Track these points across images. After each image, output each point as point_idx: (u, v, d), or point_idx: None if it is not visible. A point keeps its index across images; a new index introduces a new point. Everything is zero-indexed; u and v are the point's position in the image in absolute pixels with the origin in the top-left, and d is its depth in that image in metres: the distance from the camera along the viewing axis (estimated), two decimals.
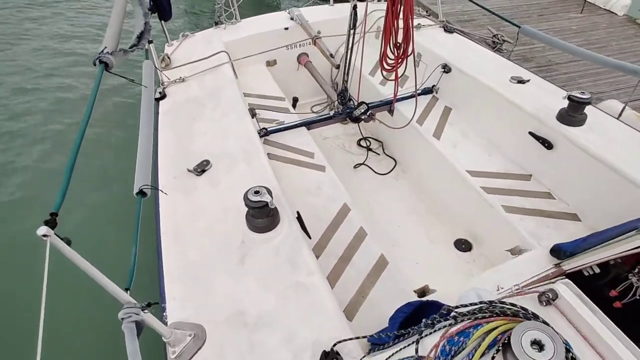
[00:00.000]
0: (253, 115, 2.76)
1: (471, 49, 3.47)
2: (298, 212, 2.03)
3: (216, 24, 3.79)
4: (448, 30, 3.81)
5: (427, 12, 4.28)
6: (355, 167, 3.59)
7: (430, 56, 3.46)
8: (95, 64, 1.68)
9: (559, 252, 2.23)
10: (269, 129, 2.95)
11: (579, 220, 2.45)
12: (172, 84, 3.00)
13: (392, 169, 3.58)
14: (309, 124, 3.11)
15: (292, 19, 3.88)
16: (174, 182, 2.22)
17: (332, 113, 3.15)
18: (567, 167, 2.52)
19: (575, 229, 2.39)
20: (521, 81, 3.01)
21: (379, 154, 3.76)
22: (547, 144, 2.56)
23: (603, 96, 4.31)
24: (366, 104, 3.05)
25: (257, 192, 1.71)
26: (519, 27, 3.26)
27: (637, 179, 2.15)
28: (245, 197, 1.70)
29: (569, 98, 2.44)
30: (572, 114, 2.49)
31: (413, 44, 2.47)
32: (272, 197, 1.72)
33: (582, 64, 5.01)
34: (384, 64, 2.62)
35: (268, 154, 2.80)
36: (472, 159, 2.87)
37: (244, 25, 3.84)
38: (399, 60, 2.58)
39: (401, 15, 2.35)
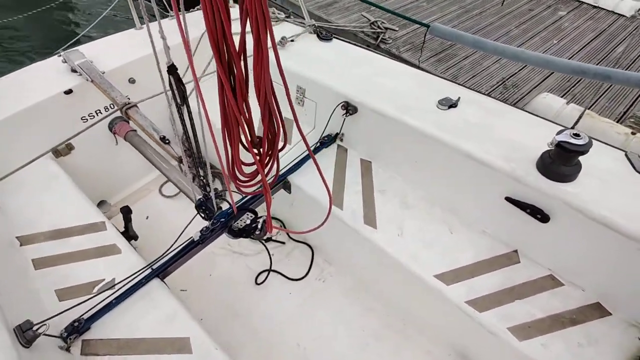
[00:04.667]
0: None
1: (369, 63, 2.53)
2: None
3: None
4: (324, 37, 2.80)
5: (287, 12, 3.18)
6: (258, 281, 2.44)
7: (318, 89, 2.42)
8: None
9: None
10: (84, 319, 1.61)
11: (609, 314, 1.78)
12: None
13: (311, 263, 2.53)
14: (163, 271, 1.84)
15: (74, 70, 2.38)
16: None
17: (198, 237, 1.92)
18: (566, 238, 1.82)
19: (615, 332, 1.71)
20: (453, 105, 2.21)
21: (283, 243, 2.66)
22: (542, 216, 1.79)
23: (518, 81, 3.89)
24: (252, 211, 1.89)
25: None
26: (428, 26, 2.42)
27: None
28: None
29: (559, 146, 1.67)
30: (564, 165, 1.74)
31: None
32: None
33: None
34: (239, 174, 1.54)
35: None
36: (434, 250, 1.99)
37: None
38: (266, 162, 1.54)
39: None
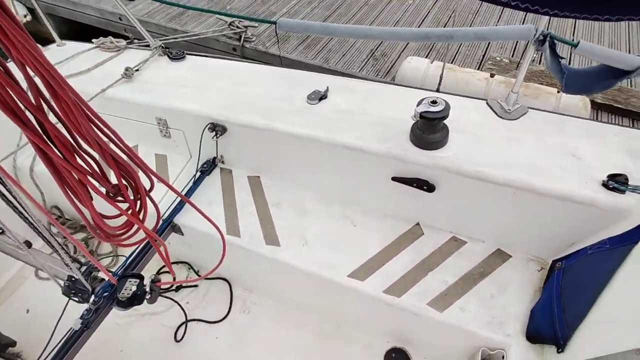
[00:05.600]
0: None
1: (229, 74, 2.38)
2: None
3: None
4: (175, 56, 2.58)
5: (129, 37, 2.88)
6: (177, 338, 2.23)
7: (179, 116, 2.23)
8: None
9: (542, 339, 1.62)
10: None
11: (509, 256, 1.89)
12: None
13: (232, 297, 2.37)
14: None
15: None
16: None
17: (79, 325, 1.66)
18: (455, 199, 1.89)
19: (518, 271, 1.83)
20: (322, 97, 2.17)
21: (196, 286, 2.46)
22: (428, 187, 1.83)
23: (385, 49, 3.99)
24: (134, 276, 1.68)
25: None
26: (275, 23, 2.32)
27: (537, 186, 1.64)
28: None
29: (422, 117, 1.70)
30: (432, 133, 1.78)
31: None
32: None
33: None
34: (103, 229, 1.37)
35: None
36: (342, 249, 1.96)
37: None
38: (138, 209, 1.38)
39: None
